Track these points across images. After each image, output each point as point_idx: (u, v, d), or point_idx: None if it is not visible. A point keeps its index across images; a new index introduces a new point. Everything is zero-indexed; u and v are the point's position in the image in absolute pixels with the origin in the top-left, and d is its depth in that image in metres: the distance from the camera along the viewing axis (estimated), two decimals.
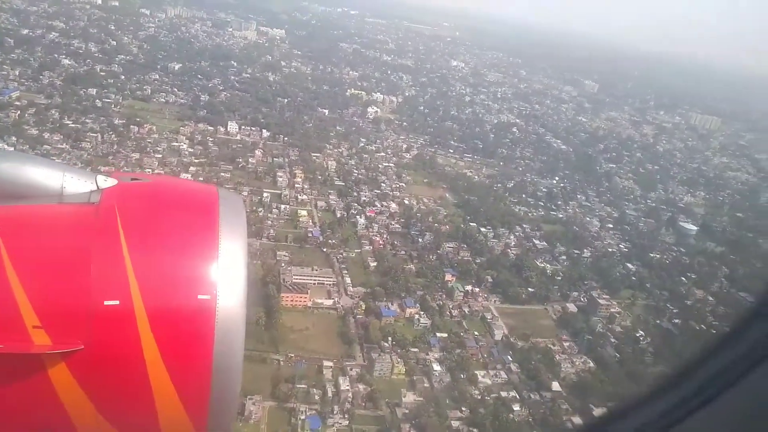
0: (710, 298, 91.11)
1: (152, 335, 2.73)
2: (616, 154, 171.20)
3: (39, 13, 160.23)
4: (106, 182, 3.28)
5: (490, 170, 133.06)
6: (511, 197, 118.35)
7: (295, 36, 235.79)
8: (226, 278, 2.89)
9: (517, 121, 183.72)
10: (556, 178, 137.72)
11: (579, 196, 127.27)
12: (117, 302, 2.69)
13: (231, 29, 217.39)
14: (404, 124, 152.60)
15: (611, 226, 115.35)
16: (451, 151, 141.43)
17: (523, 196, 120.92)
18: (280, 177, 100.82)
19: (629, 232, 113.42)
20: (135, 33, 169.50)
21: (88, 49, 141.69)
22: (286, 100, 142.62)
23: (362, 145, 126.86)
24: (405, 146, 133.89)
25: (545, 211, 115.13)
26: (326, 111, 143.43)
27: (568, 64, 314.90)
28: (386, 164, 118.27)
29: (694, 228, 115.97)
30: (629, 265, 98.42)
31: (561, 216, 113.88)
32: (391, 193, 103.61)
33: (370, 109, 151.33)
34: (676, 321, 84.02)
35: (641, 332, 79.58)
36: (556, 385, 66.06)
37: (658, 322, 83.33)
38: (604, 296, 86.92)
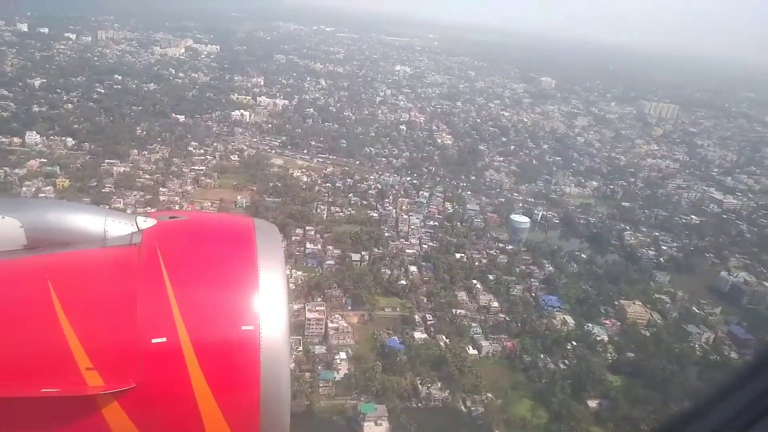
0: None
1: (200, 369, 2.63)
2: (516, 147, 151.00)
3: None
4: (145, 223, 3.16)
5: (336, 169, 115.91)
6: (332, 197, 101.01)
7: (230, 51, 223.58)
8: (267, 308, 2.77)
9: (419, 119, 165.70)
10: (415, 175, 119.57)
11: (423, 193, 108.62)
12: (164, 339, 2.62)
13: (158, 47, 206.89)
14: (269, 126, 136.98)
15: (433, 223, 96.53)
16: (305, 151, 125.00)
17: (349, 195, 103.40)
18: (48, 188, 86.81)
19: (449, 229, 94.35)
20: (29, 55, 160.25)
21: None
22: (139, 108, 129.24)
23: (190, 149, 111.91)
24: (245, 148, 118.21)
25: (358, 209, 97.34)
26: (181, 116, 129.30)
27: (536, 65, 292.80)
28: (197, 168, 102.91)
29: (525, 221, 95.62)
30: (412, 268, 79.85)
31: (374, 215, 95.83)
32: (165, 199, 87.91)
33: (235, 113, 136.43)
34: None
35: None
36: None
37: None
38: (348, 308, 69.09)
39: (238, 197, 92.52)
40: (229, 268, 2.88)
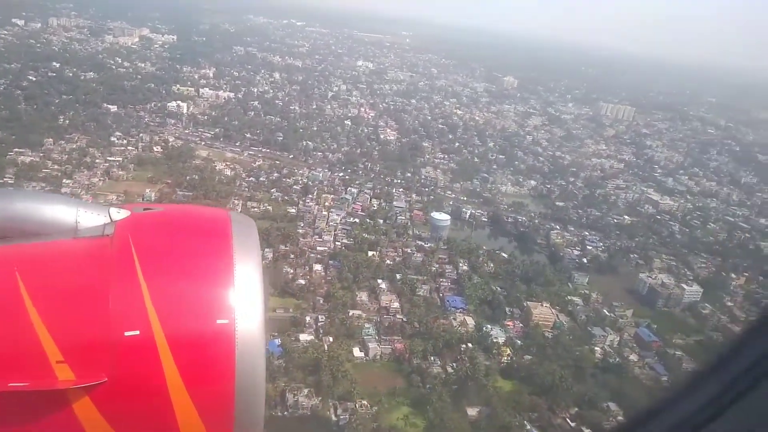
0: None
1: (174, 363, 2.55)
2: (461, 145, 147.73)
3: None
4: (119, 214, 3.02)
5: (266, 163, 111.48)
6: (252, 191, 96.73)
7: (187, 42, 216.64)
8: (243, 302, 2.68)
9: (368, 115, 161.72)
10: (349, 171, 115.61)
11: (351, 189, 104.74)
12: (137, 332, 2.53)
13: (111, 36, 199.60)
14: (205, 118, 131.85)
15: (354, 220, 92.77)
16: (238, 144, 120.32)
17: (272, 190, 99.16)
18: None
19: (369, 226, 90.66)
20: None
21: None
22: (69, 97, 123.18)
23: (113, 139, 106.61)
24: (172, 140, 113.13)
25: (277, 205, 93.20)
26: (114, 106, 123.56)
27: (505, 65, 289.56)
28: (113, 159, 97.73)
29: (446, 219, 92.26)
30: (317, 266, 75.94)
31: (293, 211, 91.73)
32: (66, 191, 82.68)
33: (171, 104, 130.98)
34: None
35: None
36: None
37: None
38: None
39: (147, 190, 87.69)
40: (204, 261, 2.76)
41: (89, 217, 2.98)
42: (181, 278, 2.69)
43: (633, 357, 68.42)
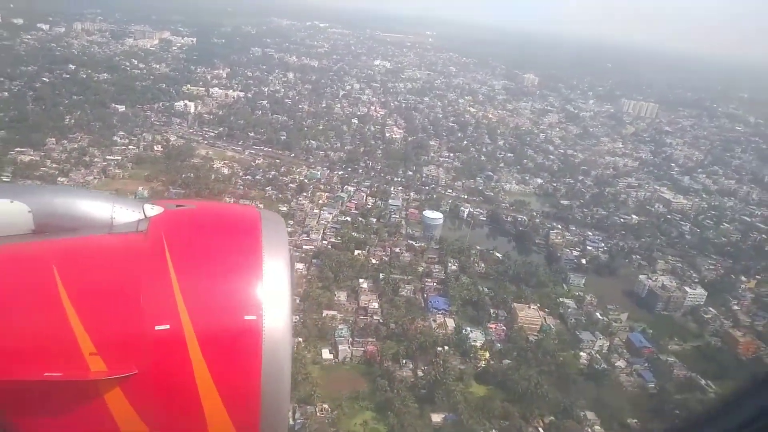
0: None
1: (202, 357, 2.60)
2: (469, 143, 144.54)
3: None
4: (152, 210, 3.12)
5: (266, 161, 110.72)
6: (246, 189, 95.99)
7: (206, 44, 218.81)
8: (270, 298, 2.71)
9: (377, 113, 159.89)
10: (349, 169, 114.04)
11: (348, 188, 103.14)
12: (167, 326, 2.58)
13: (132, 39, 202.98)
14: (212, 117, 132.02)
15: (346, 219, 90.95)
16: (240, 143, 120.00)
17: (267, 188, 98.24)
18: None
19: (361, 225, 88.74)
20: None
21: None
22: (80, 97, 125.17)
23: (116, 138, 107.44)
24: (175, 138, 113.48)
25: (270, 203, 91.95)
26: (122, 106, 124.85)
27: (527, 62, 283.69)
28: (113, 158, 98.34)
29: (438, 218, 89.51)
30: (299, 266, 74.27)
31: (284, 209, 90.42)
32: None
33: (179, 104, 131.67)
34: None
35: None
36: None
37: None
38: None
39: (140, 188, 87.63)
40: (234, 258, 2.79)
41: (124, 213, 3.04)
42: (211, 274, 2.71)
43: (621, 363, 64.64)
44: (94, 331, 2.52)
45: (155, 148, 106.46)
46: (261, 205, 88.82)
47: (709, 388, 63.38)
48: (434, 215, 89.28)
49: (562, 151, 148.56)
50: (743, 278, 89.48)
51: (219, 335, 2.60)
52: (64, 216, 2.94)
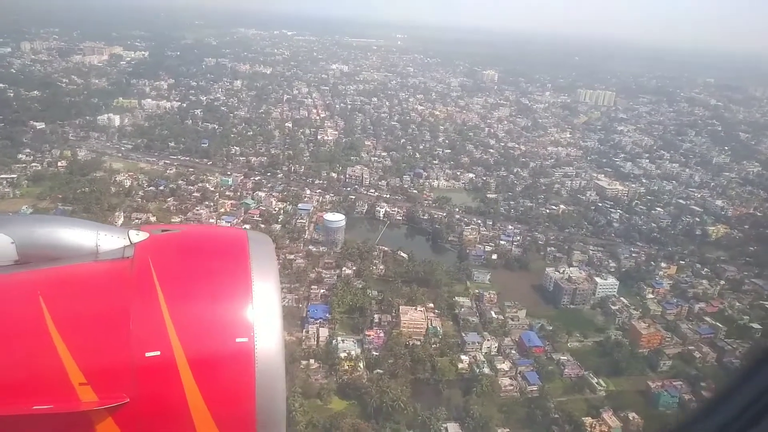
0: None
1: (195, 382, 2.54)
2: (407, 141, 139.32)
3: None
4: (138, 236, 3.02)
5: (180, 171, 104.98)
6: (146, 202, 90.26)
7: (158, 57, 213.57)
8: (261, 320, 2.65)
9: (318, 116, 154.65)
10: (268, 174, 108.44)
11: (259, 193, 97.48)
12: (158, 353, 2.52)
13: (80, 55, 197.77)
14: (133, 129, 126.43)
15: (246, 226, 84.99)
16: (157, 153, 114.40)
17: (170, 199, 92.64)
18: None
19: (260, 231, 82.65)
20: None
21: None
22: None
23: (21, 156, 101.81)
24: (84, 153, 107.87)
25: (166, 214, 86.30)
26: (40, 123, 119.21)
27: (491, 59, 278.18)
28: (8, 176, 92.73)
29: (340, 220, 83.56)
30: None
31: (177, 220, 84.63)
32: None
33: (101, 117, 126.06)
34: None
35: None
36: None
37: None
38: None
39: (24, 206, 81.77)
40: (223, 281, 2.74)
41: (109, 240, 2.94)
42: (200, 298, 2.65)
43: (504, 366, 58.68)
44: (83, 361, 2.45)
45: (59, 164, 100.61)
46: (153, 219, 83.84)
47: (599, 386, 57.61)
48: (335, 218, 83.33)
49: (503, 144, 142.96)
50: (663, 265, 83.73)
51: (211, 359, 2.53)
52: (47, 245, 2.82)
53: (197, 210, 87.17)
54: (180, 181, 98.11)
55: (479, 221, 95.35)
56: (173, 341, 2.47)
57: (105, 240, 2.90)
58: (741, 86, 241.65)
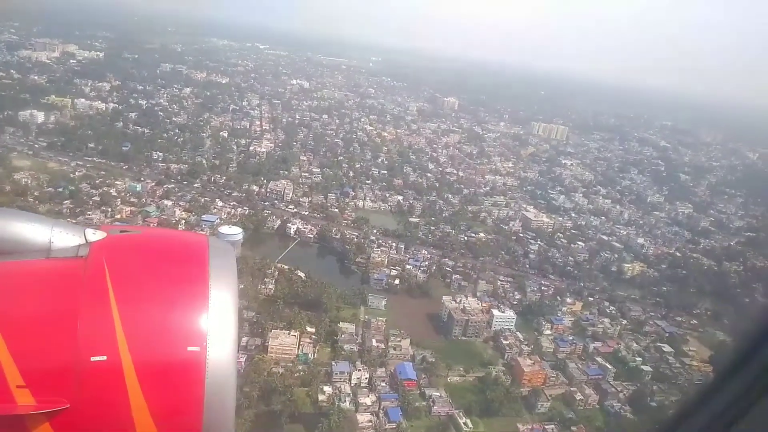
0: None
1: (140, 390, 2.43)
2: (344, 159, 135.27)
3: None
4: (94, 235, 2.85)
5: (89, 173, 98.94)
6: (42, 202, 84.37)
7: (113, 58, 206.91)
8: (216, 329, 2.54)
9: (259, 128, 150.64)
10: (185, 183, 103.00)
11: (166, 202, 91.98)
12: (104, 358, 2.41)
13: (30, 51, 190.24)
14: (55, 127, 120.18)
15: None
16: (71, 154, 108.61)
17: (66, 201, 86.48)
18: None
19: None
20: None
21: None
22: None
23: None
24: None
25: (59, 217, 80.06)
26: None
27: (458, 88, 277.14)
28: None
29: (236, 233, 78.51)
30: None
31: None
32: None
33: (23, 114, 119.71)
34: None
35: None
36: None
37: None
38: None
39: None
40: (179, 286, 2.64)
41: (64, 238, 2.77)
42: (154, 304, 2.55)
43: (368, 400, 54.08)
44: (24, 362, 2.30)
45: None
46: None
47: (466, 427, 53.31)
48: (231, 231, 78.19)
49: (441, 169, 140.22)
50: (569, 300, 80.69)
51: (159, 367, 2.41)
52: None
53: (89, 215, 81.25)
54: (84, 184, 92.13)
55: (393, 244, 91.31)
56: (121, 347, 2.33)
57: (59, 237, 2.70)
58: (693, 130, 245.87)
